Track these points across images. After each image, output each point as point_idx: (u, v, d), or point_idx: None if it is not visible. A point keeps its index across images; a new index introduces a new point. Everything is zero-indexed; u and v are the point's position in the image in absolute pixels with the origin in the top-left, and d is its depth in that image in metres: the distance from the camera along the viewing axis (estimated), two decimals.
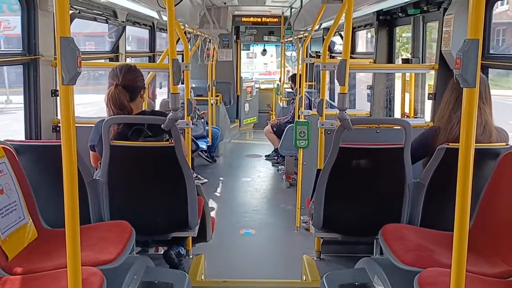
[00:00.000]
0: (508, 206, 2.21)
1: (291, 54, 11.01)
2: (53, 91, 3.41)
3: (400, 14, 4.51)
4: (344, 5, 2.99)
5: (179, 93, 2.78)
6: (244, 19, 11.18)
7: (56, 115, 3.52)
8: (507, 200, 2.24)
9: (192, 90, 6.33)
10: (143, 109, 3.00)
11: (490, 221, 2.29)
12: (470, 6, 1.26)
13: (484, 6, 1.26)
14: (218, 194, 6.63)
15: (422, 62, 4.42)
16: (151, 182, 2.76)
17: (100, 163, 2.75)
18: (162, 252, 3.14)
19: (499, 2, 3.28)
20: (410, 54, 4.65)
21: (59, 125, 3.50)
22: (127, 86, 2.76)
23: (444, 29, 3.42)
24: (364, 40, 6.88)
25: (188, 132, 3.17)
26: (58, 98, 3.48)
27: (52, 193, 2.33)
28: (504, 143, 2.59)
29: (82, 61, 1.33)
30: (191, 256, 3.28)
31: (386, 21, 4.98)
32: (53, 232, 2.40)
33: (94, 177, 2.69)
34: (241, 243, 4.93)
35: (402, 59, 4.90)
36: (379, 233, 2.48)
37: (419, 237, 2.40)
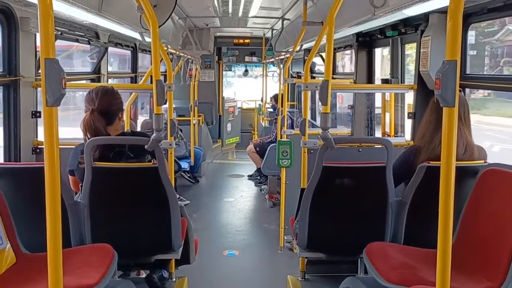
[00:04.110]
0: (489, 222, 2.25)
1: (272, 74, 11.16)
2: (33, 112, 3.36)
3: (379, 36, 4.62)
4: (325, 27, 3.05)
5: (163, 113, 2.76)
6: (226, 40, 11.30)
7: (36, 137, 3.46)
8: (488, 216, 2.27)
9: (174, 111, 6.31)
10: (124, 130, 2.97)
11: (472, 237, 2.32)
12: (447, 28, 1.30)
13: (461, 28, 1.30)
14: (200, 215, 6.56)
15: (401, 83, 4.52)
16: (133, 204, 2.71)
17: (81, 186, 2.71)
18: (144, 276, 3.07)
19: None
20: (389, 74, 4.75)
21: (39, 146, 3.45)
22: (103, 111, 2.70)
23: (421, 50, 3.52)
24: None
25: (171, 153, 3.15)
26: (38, 119, 3.44)
27: (31, 217, 2.28)
28: (483, 161, 2.65)
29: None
30: (174, 279, 3.22)
31: (365, 43, 5.09)
32: (32, 256, 2.34)
33: (75, 200, 2.64)
34: (224, 264, 4.87)
35: (382, 79, 5.00)
36: (363, 252, 2.48)
37: (403, 255, 2.41)
